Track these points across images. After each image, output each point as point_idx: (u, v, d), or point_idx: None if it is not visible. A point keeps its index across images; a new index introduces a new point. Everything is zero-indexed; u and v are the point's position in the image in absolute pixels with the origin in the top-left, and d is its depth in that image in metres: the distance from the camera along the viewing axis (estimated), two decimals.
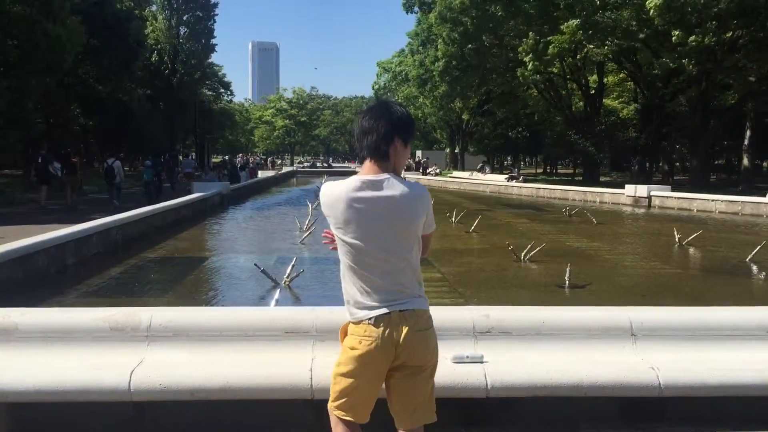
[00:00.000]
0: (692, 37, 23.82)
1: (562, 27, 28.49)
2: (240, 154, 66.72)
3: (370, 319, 2.50)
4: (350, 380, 2.56)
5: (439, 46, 43.33)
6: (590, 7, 27.07)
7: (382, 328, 2.48)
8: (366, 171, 2.57)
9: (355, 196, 2.48)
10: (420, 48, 57.49)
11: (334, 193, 2.53)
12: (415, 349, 2.55)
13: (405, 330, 2.49)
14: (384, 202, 2.48)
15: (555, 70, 37.76)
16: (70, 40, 26.63)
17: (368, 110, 2.68)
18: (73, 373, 3.35)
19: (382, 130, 2.56)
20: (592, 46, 29.20)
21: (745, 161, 33.11)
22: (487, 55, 38.14)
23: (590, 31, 27.31)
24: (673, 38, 24.54)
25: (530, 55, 31.65)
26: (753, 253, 9.41)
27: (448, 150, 69.10)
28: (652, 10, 23.86)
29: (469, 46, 37.84)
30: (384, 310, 2.50)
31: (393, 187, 2.50)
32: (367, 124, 2.60)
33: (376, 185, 2.50)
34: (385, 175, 2.53)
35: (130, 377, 3.29)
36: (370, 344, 2.48)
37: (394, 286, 2.54)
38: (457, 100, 50.11)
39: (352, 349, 2.54)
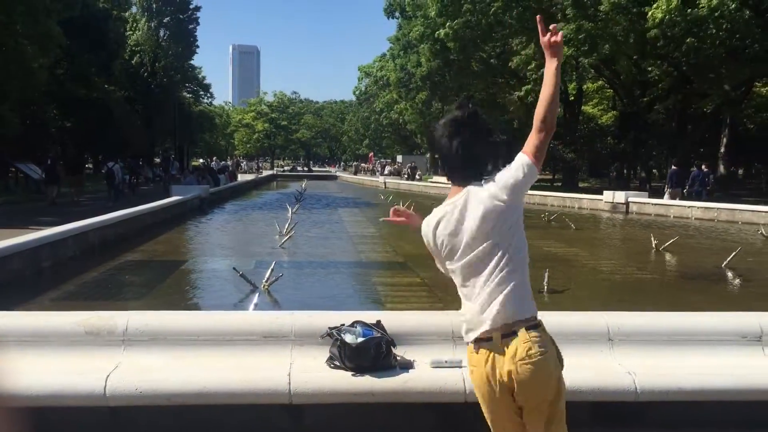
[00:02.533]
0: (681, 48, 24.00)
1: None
2: (214, 158, 66.39)
3: None
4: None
5: (421, 60, 43.47)
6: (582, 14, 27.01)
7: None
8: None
9: None
10: (401, 53, 57.63)
11: None
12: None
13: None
14: None
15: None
16: (45, 48, 26.33)
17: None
18: (47, 378, 3.30)
19: None
20: (583, 59, 29.33)
21: (721, 168, 33.54)
22: (468, 68, 38.46)
23: (582, 38, 27.30)
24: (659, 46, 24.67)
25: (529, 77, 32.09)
26: (728, 259, 9.52)
27: (428, 155, 69.24)
28: (652, 26, 23.67)
29: (452, 57, 38.02)
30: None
31: None
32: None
33: None
34: None
35: (106, 382, 3.25)
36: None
37: None
38: (436, 99, 50.36)
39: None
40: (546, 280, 7.52)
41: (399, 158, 63.92)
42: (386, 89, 67.68)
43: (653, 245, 11.20)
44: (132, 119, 49.23)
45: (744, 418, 3.46)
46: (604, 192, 22.41)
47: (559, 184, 43.48)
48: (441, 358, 3.47)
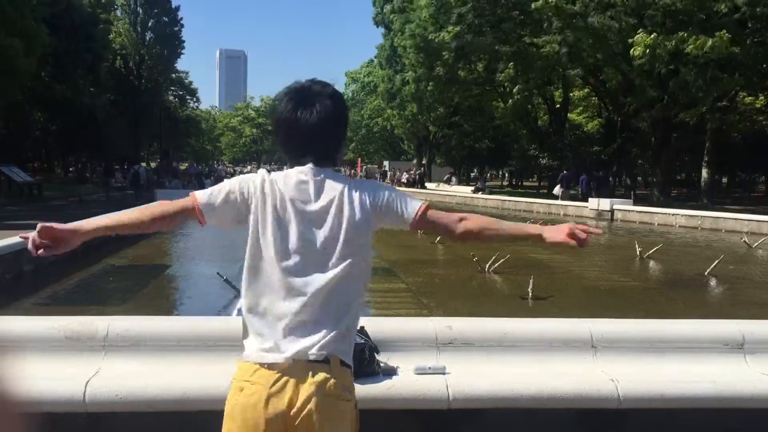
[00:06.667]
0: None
1: (543, 46, 28.51)
2: (193, 162, 66.25)
3: None
4: None
5: (408, 78, 43.55)
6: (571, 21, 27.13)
7: None
8: None
9: None
10: (385, 62, 57.69)
11: None
12: None
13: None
14: None
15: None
16: (31, 48, 26.15)
17: None
18: (26, 384, 3.25)
19: None
20: (571, 70, 29.53)
21: (705, 176, 33.83)
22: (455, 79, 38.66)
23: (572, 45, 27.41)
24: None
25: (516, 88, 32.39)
26: (711, 267, 9.59)
27: (415, 161, 69.41)
28: (638, 53, 23.80)
29: (438, 71, 38.16)
30: None
31: None
32: None
33: None
34: None
35: (86, 387, 3.21)
36: None
37: None
38: (424, 113, 50.56)
39: None
40: (530, 287, 7.54)
41: (386, 164, 63.97)
42: (373, 95, 67.78)
43: (637, 252, 11.26)
44: (117, 123, 48.99)
45: (725, 426, 3.48)
46: (589, 199, 22.56)
47: (545, 191, 43.72)
48: (425, 365, 3.46)
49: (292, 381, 1.92)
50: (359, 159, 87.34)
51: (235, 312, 6.16)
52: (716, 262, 9.63)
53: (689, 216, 18.55)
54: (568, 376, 3.47)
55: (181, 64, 67.53)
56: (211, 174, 43.16)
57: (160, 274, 9.00)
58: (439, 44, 35.20)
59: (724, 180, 54.33)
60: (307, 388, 1.92)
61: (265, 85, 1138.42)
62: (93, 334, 3.52)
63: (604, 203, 21.23)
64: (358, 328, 3.54)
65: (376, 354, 3.45)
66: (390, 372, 3.42)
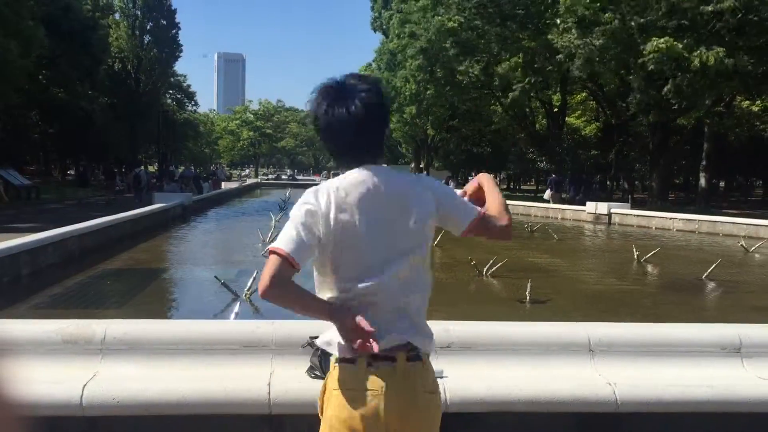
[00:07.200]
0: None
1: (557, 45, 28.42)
2: (190, 165, 66.25)
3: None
4: None
5: (409, 77, 43.57)
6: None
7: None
8: None
9: None
10: (384, 66, 57.66)
11: None
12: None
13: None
14: None
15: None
16: (28, 47, 26.12)
17: None
18: (23, 387, 3.24)
19: None
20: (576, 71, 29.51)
21: (702, 181, 33.89)
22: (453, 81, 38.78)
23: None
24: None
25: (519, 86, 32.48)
26: (709, 270, 9.60)
27: (413, 165, 69.41)
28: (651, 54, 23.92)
29: (439, 72, 38.28)
30: None
31: None
32: None
33: None
34: None
35: (83, 391, 3.20)
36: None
37: None
38: (422, 116, 50.57)
39: None
40: (528, 290, 7.54)
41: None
42: None
43: (635, 256, 11.27)
44: (115, 126, 48.97)
45: (722, 430, 3.48)
46: (587, 203, 22.58)
47: (542, 195, 43.75)
48: None
49: (387, 380, 1.92)
50: None
51: (232, 315, 6.16)
52: (713, 266, 9.64)
53: (687, 220, 18.57)
54: (566, 379, 3.47)
55: (179, 68, 67.43)
56: (209, 177, 43.07)
57: (157, 277, 8.99)
58: (439, 32, 35.03)
59: (722, 184, 54.42)
60: (403, 385, 1.93)
61: (263, 89, 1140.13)
62: (90, 337, 3.51)
63: (602, 207, 21.24)
64: None
65: None
66: None
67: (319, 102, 2.03)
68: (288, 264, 1.87)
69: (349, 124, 1.98)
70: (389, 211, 2.00)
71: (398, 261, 1.99)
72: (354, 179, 2.00)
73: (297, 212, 1.97)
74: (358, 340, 1.85)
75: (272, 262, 1.87)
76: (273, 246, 1.92)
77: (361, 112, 1.97)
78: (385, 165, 2.14)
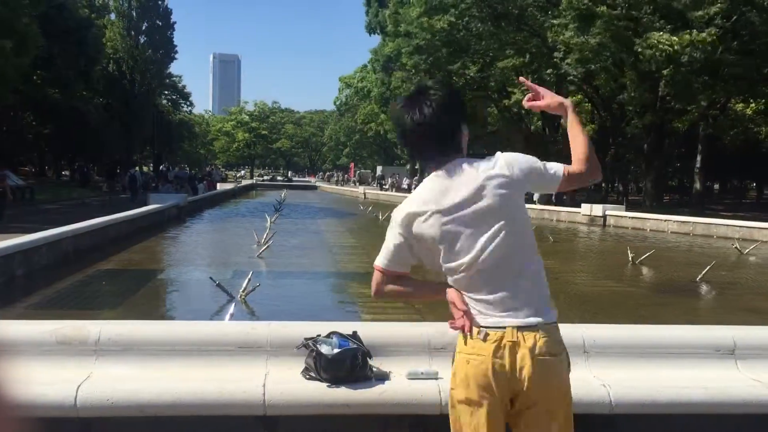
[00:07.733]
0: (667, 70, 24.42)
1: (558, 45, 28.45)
2: (185, 166, 66.18)
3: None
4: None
5: (405, 84, 43.55)
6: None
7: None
8: None
9: None
10: (379, 67, 57.65)
11: None
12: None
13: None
14: None
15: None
16: (24, 46, 26.01)
17: None
18: (18, 388, 3.23)
19: None
20: (573, 70, 29.58)
21: (697, 183, 34.00)
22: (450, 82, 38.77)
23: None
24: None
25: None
26: (703, 272, 9.63)
27: (408, 166, 69.47)
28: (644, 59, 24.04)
29: (436, 74, 38.27)
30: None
31: None
32: None
33: None
34: None
35: (77, 392, 3.19)
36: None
37: None
38: None
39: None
40: None
41: (379, 169, 63.99)
42: (367, 100, 67.79)
43: (630, 258, 11.29)
44: (110, 126, 48.87)
45: None
46: (582, 205, 22.62)
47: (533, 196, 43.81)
48: (417, 370, 3.46)
49: (508, 347, 2.11)
50: (352, 164, 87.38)
51: (227, 317, 6.15)
52: (707, 268, 9.67)
53: (681, 222, 18.62)
54: None
55: (174, 69, 67.31)
56: (204, 178, 43.01)
57: (152, 278, 8.97)
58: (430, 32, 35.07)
59: (716, 186, 54.60)
60: (521, 351, 2.11)
61: (258, 90, 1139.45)
62: (85, 338, 3.50)
63: (597, 209, 21.29)
64: (351, 332, 3.55)
65: (368, 359, 3.45)
66: (383, 377, 3.42)
67: (399, 109, 2.22)
68: (383, 276, 2.25)
69: (421, 125, 2.15)
70: (470, 200, 2.14)
71: (494, 239, 2.16)
72: (431, 184, 2.21)
73: (390, 231, 2.27)
74: (456, 320, 2.15)
75: (374, 276, 2.27)
76: (375, 262, 2.28)
77: (432, 113, 2.13)
78: (465, 156, 2.29)
